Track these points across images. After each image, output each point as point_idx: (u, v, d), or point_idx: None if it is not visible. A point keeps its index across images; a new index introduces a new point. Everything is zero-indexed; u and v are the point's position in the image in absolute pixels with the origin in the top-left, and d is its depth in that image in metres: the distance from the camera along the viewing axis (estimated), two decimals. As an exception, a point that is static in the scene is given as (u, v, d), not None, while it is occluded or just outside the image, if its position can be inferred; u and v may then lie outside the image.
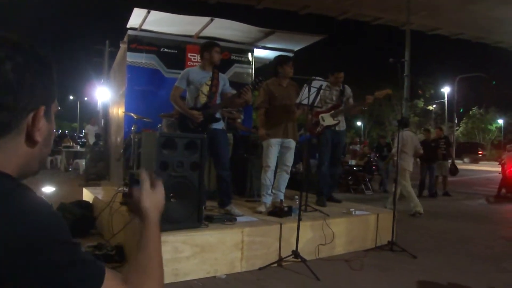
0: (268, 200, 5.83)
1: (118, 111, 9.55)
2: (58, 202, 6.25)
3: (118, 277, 1.00)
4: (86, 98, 50.39)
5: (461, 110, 48.32)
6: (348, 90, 6.72)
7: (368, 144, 21.84)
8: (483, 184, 17.14)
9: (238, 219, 5.01)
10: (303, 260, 4.70)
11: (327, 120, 6.53)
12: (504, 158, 13.50)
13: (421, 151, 9.71)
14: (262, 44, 9.49)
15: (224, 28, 8.66)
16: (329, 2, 14.61)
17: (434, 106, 49.36)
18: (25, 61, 0.91)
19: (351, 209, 5.94)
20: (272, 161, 5.83)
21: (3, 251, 0.79)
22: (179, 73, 5.73)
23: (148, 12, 7.76)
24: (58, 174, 15.28)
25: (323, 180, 6.58)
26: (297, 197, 5.41)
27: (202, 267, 4.33)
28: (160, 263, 1.18)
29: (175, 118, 6.05)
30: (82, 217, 5.91)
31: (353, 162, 14.41)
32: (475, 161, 41.49)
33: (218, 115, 5.54)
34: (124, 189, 6.07)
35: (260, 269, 4.65)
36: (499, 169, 13.62)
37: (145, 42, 8.28)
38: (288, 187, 6.11)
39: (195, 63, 8.18)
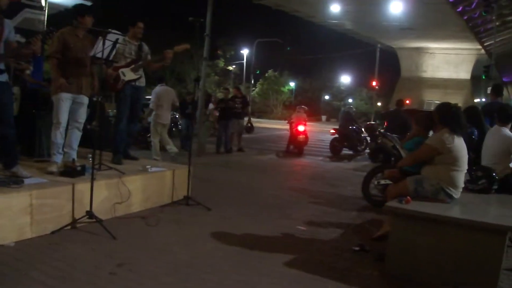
0: (59, 159, 5.50)
1: None
2: None
3: None
4: None
5: (258, 72, 51.24)
6: (145, 47, 6.61)
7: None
8: (275, 141, 18.69)
9: (26, 181, 4.63)
10: (99, 220, 4.62)
11: (128, 74, 6.34)
12: (293, 118, 14.86)
13: (177, 104, 10.56)
14: (57, -10, 8.73)
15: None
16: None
17: (234, 66, 51.54)
18: None
19: (147, 166, 5.98)
20: (63, 117, 5.47)
21: None
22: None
23: None
24: None
25: (120, 137, 6.44)
26: (90, 155, 5.20)
27: (-14, 236, 3.95)
28: None
29: None
30: None
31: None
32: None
33: (1, 66, 4.98)
34: None
35: (52, 233, 4.44)
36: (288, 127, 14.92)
37: None
38: (82, 145, 5.85)
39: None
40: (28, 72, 7.08)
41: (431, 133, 5.23)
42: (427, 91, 45.38)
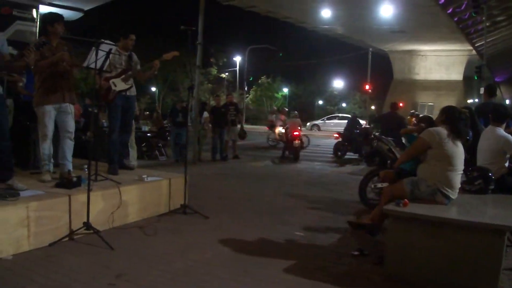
0: (50, 167, 5.52)
1: None
2: None
3: None
4: None
5: (251, 79, 51.43)
6: (135, 57, 6.61)
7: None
8: (270, 147, 18.67)
9: (22, 193, 4.61)
10: (96, 231, 4.61)
11: (119, 85, 6.33)
12: (287, 123, 14.93)
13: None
14: (49, 1, 8.72)
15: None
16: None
17: (227, 74, 51.67)
18: None
19: (143, 176, 5.95)
20: (49, 129, 5.45)
21: None
22: None
23: None
24: None
25: (113, 147, 6.42)
26: (86, 166, 5.19)
27: (-17, 250, 3.92)
28: None
29: None
30: None
31: (146, 128, 14.41)
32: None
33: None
34: None
35: (50, 245, 4.41)
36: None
37: None
38: (77, 156, 5.83)
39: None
40: (21, 84, 7.06)
41: None
42: (420, 93, 45.52)
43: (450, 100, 36.08)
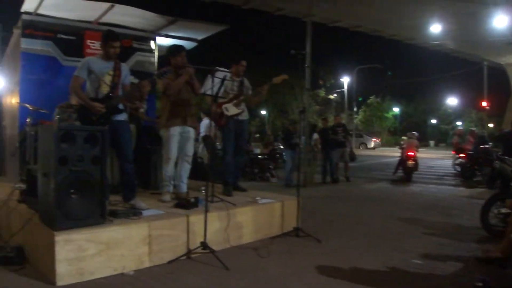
0: (170, 188, 5.82)
1: (12, 101, 8.92)
2: None
3: None
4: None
5: (360, 99, 50.63)
6: (246, 82, 6.82)
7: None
8: (381, 168, 18.17)
9: (144, 212, 4.89)
10: (212, 251, 4.71)
11: (231, 110, 6.56)
12: (404, 143, 14.71)
13: None
14: (165, 32, 9.29)
15: (125, 15, 8.35)
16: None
17: (335, 95, 51.31)
18: None
19: (256, 198, 6.04)
20: (172, 152, 5.78)
21: None
22: (78, 61, 5.46)
23: (44, -5, 7.28)
24: None
25: (228, 169, 6.62)
26: (203, 188, 5.39)
27: (108, 265, 4.18)
28: None
29: (75, 109, 5.77)
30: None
31: (258, 150, 14.67)
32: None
33: (121, 106, 5.36)
34: (21, 185, 5.72)
35: (169, 262, 4.60)
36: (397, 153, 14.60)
37: (41, 28, 7.76)
38: (194, 177, 6.08)
39: (94, 51, 7.84)
40: (142, 110, 7.56)
41: None
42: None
43: None
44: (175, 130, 5.77)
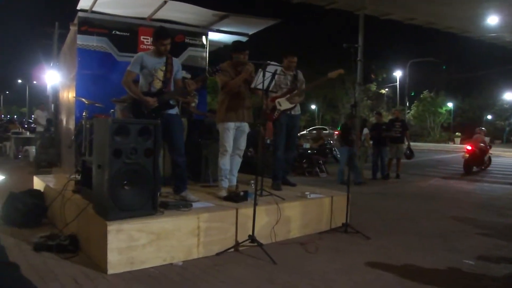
0: (226, 184, 5.87)
1: (68, 96, 9.28)
2: (8, 192, 6.05)
3: None
4: (35, 82, 48.84)
5: (413, 94, 49.30)
6: (300, 75, 6.77)
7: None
8: (434, 165, 17.69)
9: (194, 205, 4.99)
10: (260, 245, 4.74)
11: (284, 104, 6.57)
12: (471, 140, 15.01)
13: None
14: (217, 28, 9.38)
15: (177, 11, 8.50)
16: (284, -15, 14.62)
17: (387, 89, 50.34)
18: None
19: (305, 193, 6.00)
20: (229, 144, 5.84)
21: None
22: (132, 57, 5.59)
23: (99, -7, 7.52)
24: (7, 162, 14.79)
25: (278, 164, 6.63)
26: (252, 181, 5.43)
27: (158, 255, 4.29)
28: None
29: (128, 103, 5.93)
30: (34, 206, 5.73)
31: (307, 145, 14.59)
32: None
33: (172, 101, 5.48)
34: (77, 176, 5.94)
35: (217, 254, 4.67)
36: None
37: (96, 25, 8.04)
38: (244, 171, 6.12)
39: (148, 46, 8.04)
40: (193, 104, 7.68)
41: None
42: None
43: None
44: (232, 125, 5.85)
